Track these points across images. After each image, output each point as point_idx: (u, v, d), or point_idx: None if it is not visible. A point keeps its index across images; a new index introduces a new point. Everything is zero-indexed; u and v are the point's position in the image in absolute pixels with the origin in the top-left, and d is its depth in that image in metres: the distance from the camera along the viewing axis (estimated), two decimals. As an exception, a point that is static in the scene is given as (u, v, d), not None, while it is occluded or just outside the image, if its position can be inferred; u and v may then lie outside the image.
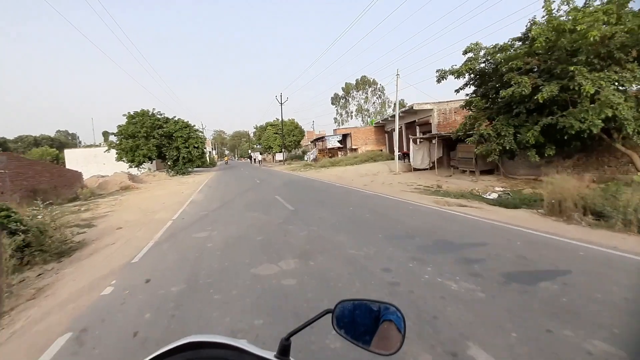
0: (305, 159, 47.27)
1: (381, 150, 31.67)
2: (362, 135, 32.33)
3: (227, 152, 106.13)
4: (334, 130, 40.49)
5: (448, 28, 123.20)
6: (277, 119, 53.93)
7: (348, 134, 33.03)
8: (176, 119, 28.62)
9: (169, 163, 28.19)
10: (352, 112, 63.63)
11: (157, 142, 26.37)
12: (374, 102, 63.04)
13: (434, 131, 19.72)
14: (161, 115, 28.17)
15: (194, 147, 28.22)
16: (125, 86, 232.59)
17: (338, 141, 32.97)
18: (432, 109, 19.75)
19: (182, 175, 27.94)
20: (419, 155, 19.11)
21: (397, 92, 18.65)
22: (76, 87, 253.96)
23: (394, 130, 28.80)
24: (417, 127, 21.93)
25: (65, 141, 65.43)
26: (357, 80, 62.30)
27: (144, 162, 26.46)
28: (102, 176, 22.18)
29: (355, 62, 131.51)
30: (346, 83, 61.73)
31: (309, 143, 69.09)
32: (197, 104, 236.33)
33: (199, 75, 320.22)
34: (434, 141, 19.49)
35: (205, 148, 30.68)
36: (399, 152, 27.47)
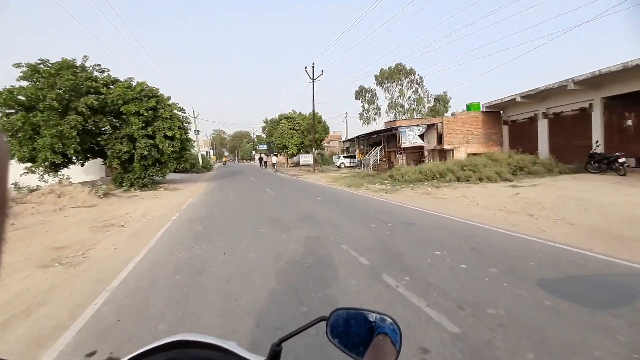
0: (336, 163, 33.95)
1: (493, 151, 18.27)
2: (461, 127, 18.85)
3: (226, 153, 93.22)
4: (385, 123, 27.12)
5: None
6: (293, 111, 40.63)
7: (434, 124, 19.56)
8: (134, 83, 14.96)
9: (114, 166, 14.50)
10: (379, 108, 50.81)
11: (82, 121, 12.68)
12: (409, 97, 49.98)
13: None
14: (102, 72, 14.58)
15: (165, 136, 14.58)
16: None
17: (419, 136, 19.44)
18: None
19: (142, 190, 14.34)
20: None
21: None
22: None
23: (537, 117, 14.88)
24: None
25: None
26: (390, 68, 49.10)
27: (61, 163, 12.81)
28: None
29: (373, 55, 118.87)
30: (381, 70, 48.46)
31: (330, 142, 56.60)
32: (197, 103, 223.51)
33: (197, 73, 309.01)
34: None
35: (188, 135, 16.61)
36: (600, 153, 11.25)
